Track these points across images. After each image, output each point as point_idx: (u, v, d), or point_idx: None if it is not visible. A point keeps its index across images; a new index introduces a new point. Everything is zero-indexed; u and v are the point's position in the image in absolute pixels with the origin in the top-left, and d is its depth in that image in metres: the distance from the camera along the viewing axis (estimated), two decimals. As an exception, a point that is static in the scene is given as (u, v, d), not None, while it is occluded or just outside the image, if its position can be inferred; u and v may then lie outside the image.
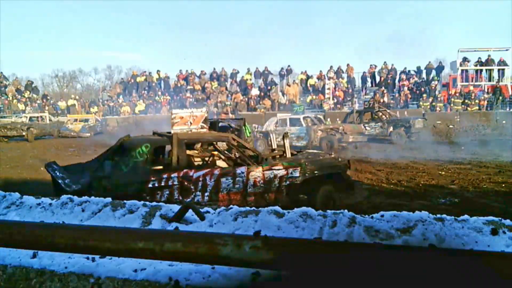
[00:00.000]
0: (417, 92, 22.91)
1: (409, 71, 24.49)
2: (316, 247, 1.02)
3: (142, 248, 1.10)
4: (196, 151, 6.17)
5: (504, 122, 19.44)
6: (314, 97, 24.14)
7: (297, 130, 14.71)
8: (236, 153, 5.50)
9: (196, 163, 5.84)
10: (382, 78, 24.35)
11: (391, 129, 16.04)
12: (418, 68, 24.68)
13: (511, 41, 48.79)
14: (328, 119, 16.22)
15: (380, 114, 16.98)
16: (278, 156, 6.03)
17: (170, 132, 5.46)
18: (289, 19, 75.24)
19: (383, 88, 23.36)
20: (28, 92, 26.79)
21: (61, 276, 1.59)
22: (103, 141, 16.48)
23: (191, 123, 5.77)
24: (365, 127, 16.25)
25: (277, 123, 15.23)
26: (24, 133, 18.05)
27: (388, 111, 17.80)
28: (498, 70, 23.63)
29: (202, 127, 5.86)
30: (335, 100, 23.54)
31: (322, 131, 14.43)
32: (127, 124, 22.75)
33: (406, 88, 23.10)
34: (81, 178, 4.58)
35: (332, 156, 6.59)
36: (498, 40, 66.37)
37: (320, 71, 26.03)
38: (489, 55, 23.68)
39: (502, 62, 23.47)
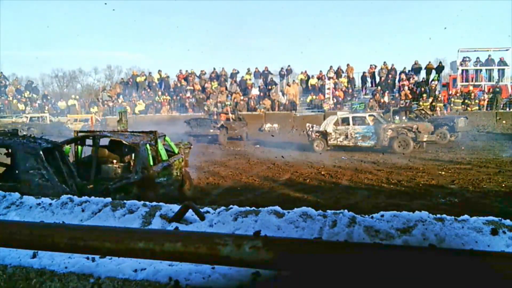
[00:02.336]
0: (417, 92, 22.91)
1: (409, 71, 24.50)
2: (316, 247, 1.02)
3: (142, 248, 1.10)
4: None
5: (504, 122, 19.45)
6: (314, 97, 24.14)
7: (362, 130, 13.62)
8: None
9: None
10: (382, 78, 24.36)
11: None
12: (416, 68, 24.66)
13: (511, 41, 48.79)
14: (397, 117, 15.02)
15: (419, 113, 16.12)
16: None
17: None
18: (289, 19, 75.25)
19: (379, 87, 23.38)
20: (28, 92, 26.79)
21: (61, 276, 1.59)
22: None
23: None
24: None
25: (337, 122, 14.15)
26: (24, 133, 18.07)
27: (425, 110, 17.07)
28: (498, 70, 23.63)
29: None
30: (335, 100, 23.54)
31: (392, 130, 13.36)
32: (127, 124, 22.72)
33: (406, 88, 23.11)
34: None
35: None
36: (498, 40, 66.41)
37: (320, 71, 26.06)
38: (489, 55, 23.68)
39: (502, 62, 23.46)
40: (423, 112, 16.61)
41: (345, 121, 14.03)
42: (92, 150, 6.32)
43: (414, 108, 16.56)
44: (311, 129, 14.41)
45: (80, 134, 6.63)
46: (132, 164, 6.24)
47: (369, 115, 14.08)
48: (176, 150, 7.68)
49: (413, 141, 13.01)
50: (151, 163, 6.33)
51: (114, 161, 6.87)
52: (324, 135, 14.04)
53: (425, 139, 13.29)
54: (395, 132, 13.28)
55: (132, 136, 6.50)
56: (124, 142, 6.33)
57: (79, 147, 6.68)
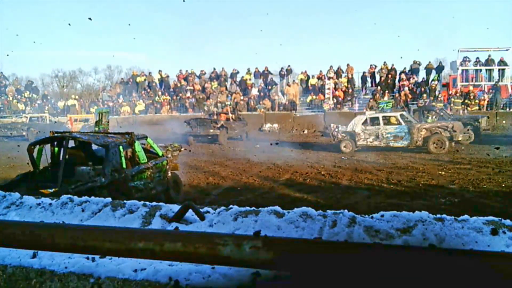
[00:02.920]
0: (417, 92, 22.92)
1: (409, 71, 24.50)
2: (316, 247, 1.02)
3: (142, 248, 1.10)
4: None
5: (504, 122, 19.44)
6: (314, 97, 24.14)
7: (394, 130, 13.03)
8: None
9: None
10: (382, 78, 24.36)
11: None
12: (416, 69, 24.67)
13: (511, 41, 48.81)
14: (431, 117, 14.48)
15: (439, 112, 15.58)
16: None
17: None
18: (289, 18, 75.26)
19: (379, 87, 23.38)
20: (28, 92, 26.79)
21: (61, 276, 1.59)
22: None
23: None
24: None
25: (366, 122, 13.48)
26: (24, 133, 18.09)
27: (444, 110, 16.59)
28: (498, 70, 23.64)
29: None
30: (335, 100, 23.54)
31: (426, 130, 12.79)
32: (127, 124, 22.75)
33: (406, 88, 23.11)
34: None
35: None
36: (498, 40, 66.41)
37: (320, 71, 26.06)
38: (489, 55, 23.68)
39: (502, 62, 23.46)
40: (444, 111, 16.11)
41: (374, 120, 13.39)
42: (63, 153, 6.03)
43: (434, 108, 16.06)
44: (336, 130, 13.74)
45: (56, 134, 6.46)
46: (102, 166, 6.02)
47: (400, 114, 13.43)
48: (160, 152, 7.39)
49: (448, 140, 12.53)
50: (124, 165, 6.15)
51: (90, 163, 6.64)
52: (352, 135, 13.41)
53: (460, 138, 12.86)
54: (429, 132, 12.80)
55: (105, 138, 6.25)
56: (93, 143, 6.16)
57: (56, 148, 6.50)
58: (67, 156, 6.01)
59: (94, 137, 6.31)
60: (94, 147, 6.79)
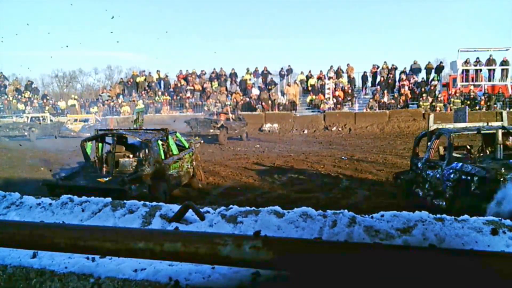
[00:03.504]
0: (417, 92, 22.91)
1: (409, 71, 24.51)
2: (316, 247, 1.02)
3: (142, 248, 1.10)
4: None
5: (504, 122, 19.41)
6: (314, 97, 24.13)
7: None
8: None
9: None
10: (382, 78, 24.36)
11: None
12: (416, 69, 24.66)
13: (511, 41, 48.80)
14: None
15: None
16: None
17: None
18: (289, 18, 75.27)
19: (379, 87, 23.38)
20: (28, 92, 26.78)
21: (61, 276, 1.59)
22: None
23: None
24: None
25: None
26: (26, 133, 18.10)
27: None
28: (498, 70, 23.63)
29: None
30: (335, 100, 23.53)
31: None
32: (127, 124, 22.75)
33: (406, 88, 23.10)
34: None
35: None
36: (498, 40, 66.41)
37: (320, 71, 26.05)
38: (490, 55, 23.65)
39: (502, 62, 23.44)
40: None
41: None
42: (111, 147, 7.21)
43: None
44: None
45: (100, 132, 7.56)
46: (145, 158, 7.10)
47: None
48: (187, 145, 8.50)
49: None
50: (162, 157, 7.16)
51: (131, 155, 7.57)
52: None
53: None
54: None
55: (145, 134, 7.36)
56: (138, 139, 7.19)
57: (100, 144, 7.42)
58: (112, 150, 7.15)
59: (137, 133, 7.41)
60: (130, 140, 7.90)
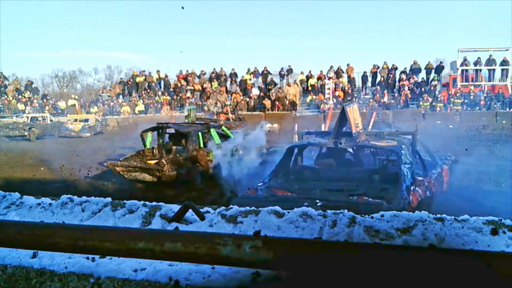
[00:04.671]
0: (417, 92, 22.90)
1: (409, 71, 24.50)
2: (316, 247, 1.02)
3: (142, 248, 1.10)
4: None
5: (504, 122, 19.42)
6: (314, 97, 24.12)
7: None
8: None
9: None
10: (382, 78, 24.35)
11: None
12: (416, 69, 24.65)
13: (511, 41, 48.82)
14: None
15: None
16: None
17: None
18: (289, 18, 75.26)
19: (379, 87, 23.37)
20: (28, 92, 26.77)
21: (61, 276, 1.59)
22: (103, 141, 16.48)
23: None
24: None
25: None
26: (26, 133, 18.12)
27: None
28: (498, 70, 23.62)
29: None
30: (335, 100, 23.53)
31: None
32: (127, 124, 22.74)
33: (406, 88, 23.10)
34: None
35: None
36: (498, 40, 66.41)
37: (321, 71, 26.04)
38: (490, 55, 23.64)
39: (504, 62, 23.42)
40: None
41: None
42: (159, 138, 9.12)
43: None
44: None
45: (158, 124, 9.24)
46: (186, 146, 8.87)
47: None
48: (231, 136, 10.08)
49: None
50: (201, 145, 8.88)
51: (179, 143, 9.31)
52: None
53: None
54: None
55: (188, 127, 9.30)
56: (180, 131, 9.03)
57: (149, 134, 9.18)
58: (167, 139, 9.20)
59: (182, 126, 9.36)
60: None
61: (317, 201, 4.08)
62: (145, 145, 9.10)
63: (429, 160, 5.94)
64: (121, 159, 8.74)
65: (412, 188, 4.50)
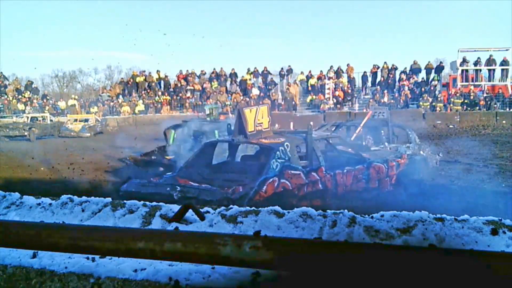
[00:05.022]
0: (417, 92, 22.90)
1: (409, 71, 24.50)
2: (316, 247, 1.02)
3: (142, 248, 1.10)
4: None
5: (504, 122, 19.42)
6: (314, 97, 24.12)
7: None
8: None
9: None
10: (382, 78, 24.35)
11: None
12: (416, 69, 24.65)
13: (511, 41, 48.83)
14: None
15: None
16: None
17: None
18: (289, 18, 75.24)
19: (379, 87, 23.37)
20: (28, 92, 26.77)
21: (61, 276, 1.59)
22: (103, 141, 16.48)
23: None
24: None
25: None
26: (26, 133, 18.12)
27: None
28: (498, 70, 23.62)
29: None
30: (335, 100, 23.53)
31: None
32: (127, 124, 22.75)
33: (406, 88, 23.09)
34: None
35: None
36: (498, 40, 66.42)
37: (321, 71, 26.04)
38: (490, 55, 23.63)
39: (504, 62, 23.41)
40: None
41: None
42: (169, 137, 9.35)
43: None
44: None
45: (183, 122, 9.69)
46: None
47: None
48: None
49: None
50: None
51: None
52: None
53: None
54: None
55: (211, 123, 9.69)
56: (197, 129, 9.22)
57: (172, 131, 9.28)
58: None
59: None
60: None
61: (177, 187, 4.89)
62: (168, 142, 9.29)
63: (354, 158, 6.40)
64: (142, 154, 9.11)
65: (272, 179, 5.07)
